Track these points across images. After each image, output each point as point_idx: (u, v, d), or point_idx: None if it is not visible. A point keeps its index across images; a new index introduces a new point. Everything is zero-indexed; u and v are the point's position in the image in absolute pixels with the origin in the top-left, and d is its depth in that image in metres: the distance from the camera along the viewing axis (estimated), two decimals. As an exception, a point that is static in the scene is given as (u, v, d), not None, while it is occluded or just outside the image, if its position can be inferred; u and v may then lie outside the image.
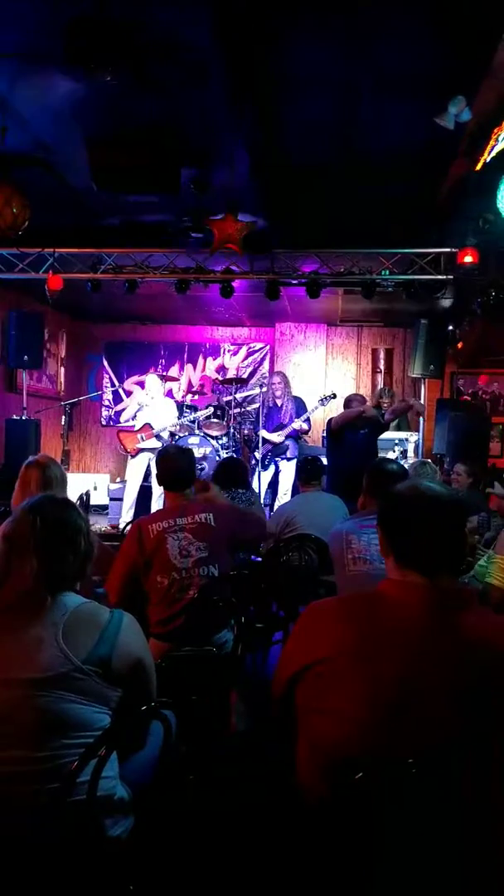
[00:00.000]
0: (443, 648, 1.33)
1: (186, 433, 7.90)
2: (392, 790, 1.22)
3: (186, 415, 8.04)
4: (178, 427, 7.24)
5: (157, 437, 6.99)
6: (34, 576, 1.59)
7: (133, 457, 7.07)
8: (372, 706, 1.30)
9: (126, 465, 7.41)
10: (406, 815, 1.23)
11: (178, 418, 8.04)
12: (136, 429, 7.07)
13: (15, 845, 1.43)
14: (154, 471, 7.01)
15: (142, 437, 6.99)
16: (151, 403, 7.18)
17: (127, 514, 6.87)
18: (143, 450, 7.02)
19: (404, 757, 1.21)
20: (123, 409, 10.04)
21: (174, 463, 3.00)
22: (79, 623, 1.59)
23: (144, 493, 7.15)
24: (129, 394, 10.09)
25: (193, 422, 7.95)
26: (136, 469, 7.03)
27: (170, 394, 9.49)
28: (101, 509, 8.18)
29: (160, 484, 3.04)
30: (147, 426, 7.00)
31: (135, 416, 7.07)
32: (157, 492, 7.04)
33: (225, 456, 7.47)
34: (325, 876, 1.31)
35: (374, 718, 1.30)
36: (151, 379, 7.38)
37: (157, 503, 7.06)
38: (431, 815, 1.23)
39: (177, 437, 7.92)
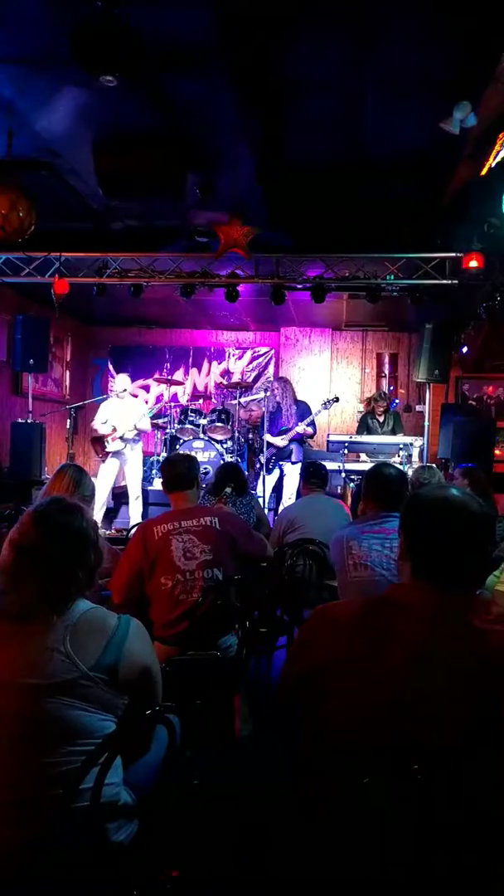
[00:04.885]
0: (451, 656, 1.32)
1: (191, 437, 7.90)
2: (397, 794, 1.21)
3: (192, 419, 8.05)
4: (133, 427, 7.13)
5: (122, 438, 6.96)
6: (40, 593, 1.57)
7: (104, 461, 7.10)
8: (378, 711, 1.30)
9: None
10: (411, 819, 1.22)
11: (182, 423, 8.05)
12: (106, 433, 7.09)
13: (19, 850, 1.43)
14: (126, 472, 7.07)
15: (108, 441, 7.01)
16: (118, 404, 7.16)
17: (98, 516, 6.89)
18: (111, 453, 7.02)
19: (410, 761, 1.21)
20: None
21: (173, 466, 3.02)
22: (86, 630, 1.57)
23: (120, 496, 7.22)
24: (133, 397, 10.10)
25: (198, 426, 7.95)
26: (106, 473, 7.04)
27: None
28: (106, 513, 8.19)
29: (165, 488, 3.05)
30: (113, 429, 7.01)
31: (105, 419, 7.10)
32: (134, 493, 7.12)
33: (226, 461, 7.48)
34: (329, 877, 1.30)
35: (380, 722, 1.29)
36: (121, 378, 7.34)
37: (134, 504, 7.13)
38: (436, 819, 1.23)
39: (181, 440, 7.93)
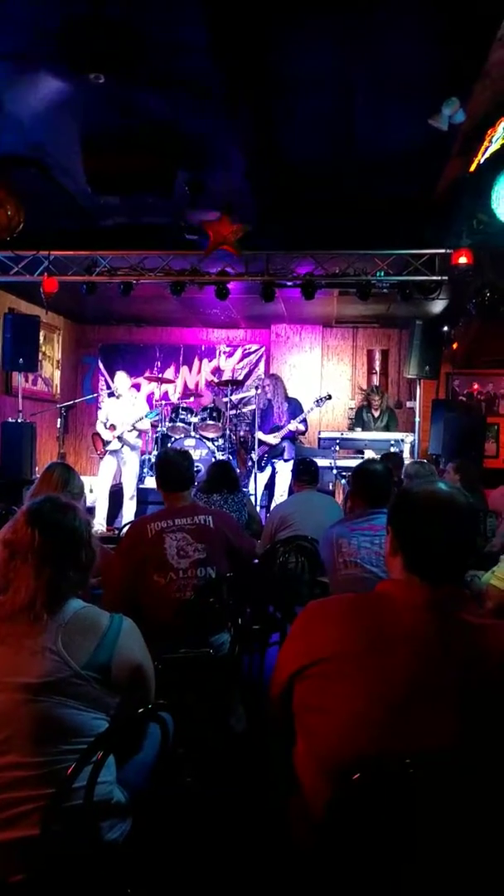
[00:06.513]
0: (447, 650, 1.32)
1: (182, 435, 7.89)
2: (392, 791, 1.22)
3: (183, 417, 8.04)
4: (132, 427, 7.11)
5: (119, 438, 6.96)
6: (33, 592, 1.57)
7: (101, 458, 7.09)
8: (373, 707, 1.30)
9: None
10: (406, 817, 1.23)
11: (173, 421, 8.04)
12: (105, 428, 7.07)
13: (12, 850, 1.43)
14: (123, 471, 7.07)
15: (106, 440, 7.01)
16: (117, 403, 7.16)
17: (100, 516, 6.90)
18: (109, 451, 7.01)
19: (404, 758, 1.21)
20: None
21: (173, 465, 3.01)
22: (78, 628, 1.57)
23: (116, 495, 7.20)
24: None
25: (189, 424, 7.94)
26: (105, 469, 7.04)
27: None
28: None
29: (159, 487, 3.04)
30: (112, 426, 6.98)
31: (106, 419, 7.10)
32: (128, 493, 7.11)
33: (218, 459, 7.47)
34: (323, 875, 1.31)
35: (374, 719, 1.29)
36: (120, 377, 7.34)
37: (128, 504, 7.11)
38: (432, 817, 1.23)
39: (172, 439, 7.92)
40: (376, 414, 8.15)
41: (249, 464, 7.69)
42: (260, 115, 4.57)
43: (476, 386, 9.32)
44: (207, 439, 7.83)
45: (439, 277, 6.58)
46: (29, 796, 1.44)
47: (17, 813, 1.44)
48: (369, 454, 7.29)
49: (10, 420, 7.58)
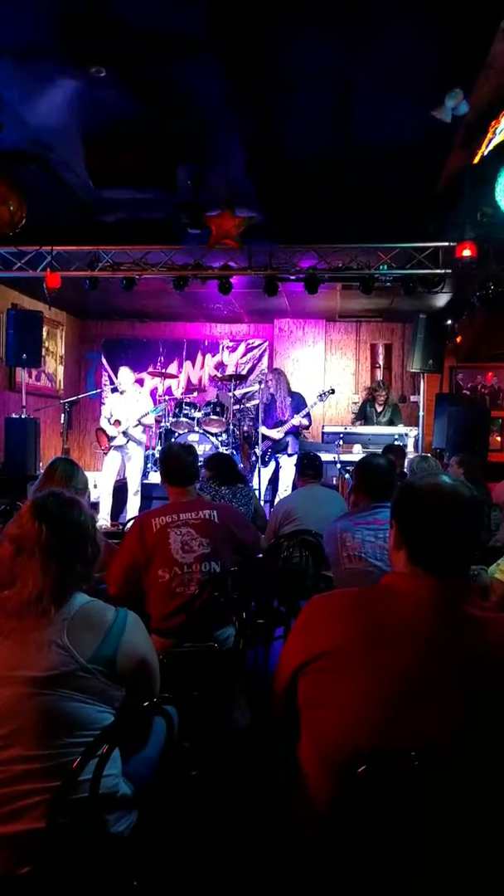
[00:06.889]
0: (451, 643, 1.32)
1: (186, 430, 7.90)
2: (395, 786, 1.22)
3: (187, 412, 8.04)
4: (137, 422, 7.15)
5: (124, 433, 6.98)
6: (41, 587, 1.57)
7: (106, 453, 7.12)
8: (376, 700, 1.30)
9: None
10: (408, 812, 1.23)
11: (176, 416, 8.04)
12: (111, 423, 7.09)
13: (19, 842, 1.43)
14: (127, 466, 7.08)
15: (111, 435, 7.03)
16: (121, 398, 7.19)
17: (104, 511, 6.91)
18: (113, 447, 7.04)
19: (409, 751, 1.21)
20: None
21: (178, 459, 3.01)
22: (84, 622, 1.58)
23: (120, 490, 7.22)
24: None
25: (193, 419, 7.94)
26: (109, 465, 7.07)
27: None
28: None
29: (164, 481, 3.05)
30: (117, 422, 7.00)
31: (110, 414, 7.12)
32: (133, 488, 7.13)
33: (219, 452, 7.47)
34: (326, 869, 1.31)
35: (378, 712, 1.29)
36: (123, 373, 7.37)
37: (132, 500, 7.13)
38: (434, 811, 1.23)
39: (176, 434, 7.93)
40: (380, 409, 8.14)
41: (253, 458, 7.69)
42: (262, 110, 4.54)
43: (489, 377, 9.29)
44: (211, 434, 7.83)
45: (443, 270, 6.54)
46: (34, 789, 1.45)
47: (23, 806, 1.44)
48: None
49: (13, 416, 7.59)
